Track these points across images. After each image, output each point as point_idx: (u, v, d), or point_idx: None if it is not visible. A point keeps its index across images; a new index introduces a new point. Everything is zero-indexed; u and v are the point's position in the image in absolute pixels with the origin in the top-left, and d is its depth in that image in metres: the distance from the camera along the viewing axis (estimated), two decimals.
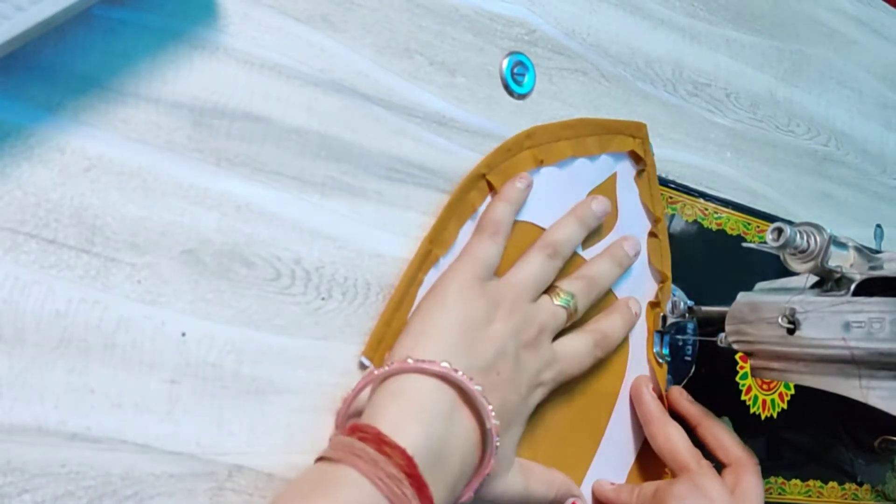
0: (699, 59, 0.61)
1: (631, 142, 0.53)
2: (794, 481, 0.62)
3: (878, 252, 0.48)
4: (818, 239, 0.46)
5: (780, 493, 0.61)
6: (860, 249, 0.47)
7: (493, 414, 0.40)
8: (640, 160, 0.54)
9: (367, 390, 0.41)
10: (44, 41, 0.35)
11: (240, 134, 0.40)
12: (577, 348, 0.48)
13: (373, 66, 0.44)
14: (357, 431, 0.37)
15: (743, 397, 0.60)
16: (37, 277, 0.34)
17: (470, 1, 0.48)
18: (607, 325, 0.51)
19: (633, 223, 0.54)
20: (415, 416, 0.38)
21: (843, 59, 0.72)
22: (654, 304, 0.54)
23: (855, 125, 0.73)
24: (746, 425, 0.60)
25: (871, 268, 0.47)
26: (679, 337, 0.56)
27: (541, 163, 0.49)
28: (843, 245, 0.47)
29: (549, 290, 0.48)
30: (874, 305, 0.44)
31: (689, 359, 0.57)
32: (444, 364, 0.40)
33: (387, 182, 0.44)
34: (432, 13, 0.47)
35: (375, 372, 0.40)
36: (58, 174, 0.35)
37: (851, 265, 0.47)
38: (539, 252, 0.47)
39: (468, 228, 0.46)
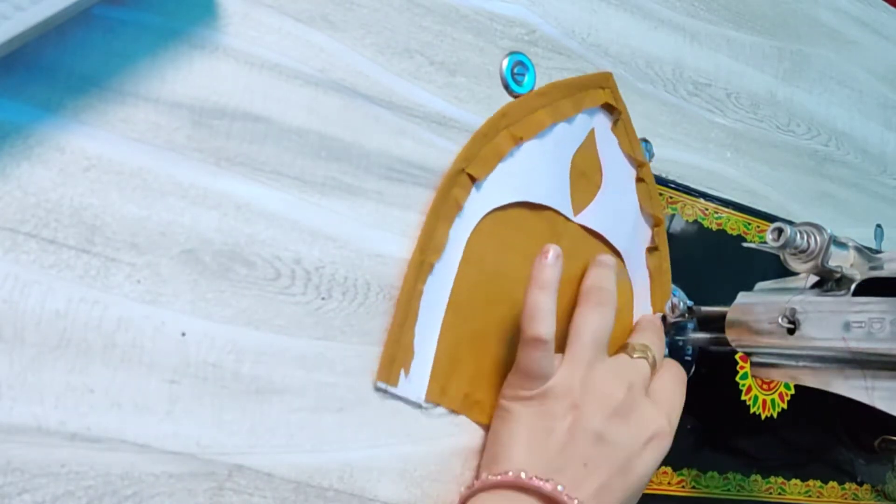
0: (699, 59, 0.61)
1: (602, 94, 0.53)
2: (794, 481, 0.62)
3: (879, 252, 0.48)
4: (818, 239, 0.46)
5: (780, 493, 0.61)
6: (860, 249, 0.47)
7: None
8: (614, 110, 0.53)
9: None
10: (44, 41, 0.35)
11: (240, 134, 0.40)
12: (672, 379, 0.48)
13: (373, 66, 0.44)
14: None
15: (743, 397, 0.60)
16: (37, 277, 0.34)
17: (470, 1, 0.48)
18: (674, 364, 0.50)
19: (618, 174, 0.53)
20: None
21: (843, 59, 0.72)
22: (651, 249, 0.54)
23: (855, 125, 0.73)
24: (746, 425, 0.60)
25: (872, 268, 0.47)
26: (679, 337, 0.56)
27: (520, 140, 0.48)
28: (843, 245, 0.47)
29: (621, 349, 0.48)
30: (874, 305, 0.44)
31: (689, 359, 0.57)
32: (522, 474, 0.41)
33: (387, 182, 0.44)
34: (432, 13, 0.47)
35: (465, 491, 0.43)
36: (57, 174, 0.35)
37: (852, 265, 0.47)
38: (583, 306, 0.47)
39: (457, 226, 0.46)
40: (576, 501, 0.41)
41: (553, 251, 0.44)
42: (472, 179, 0.46)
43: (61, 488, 0.34)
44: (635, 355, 0.47)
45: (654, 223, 0.55)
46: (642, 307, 0.54)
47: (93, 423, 0.35)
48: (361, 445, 0.42)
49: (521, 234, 0.48)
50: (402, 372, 0.43)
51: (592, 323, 0.46)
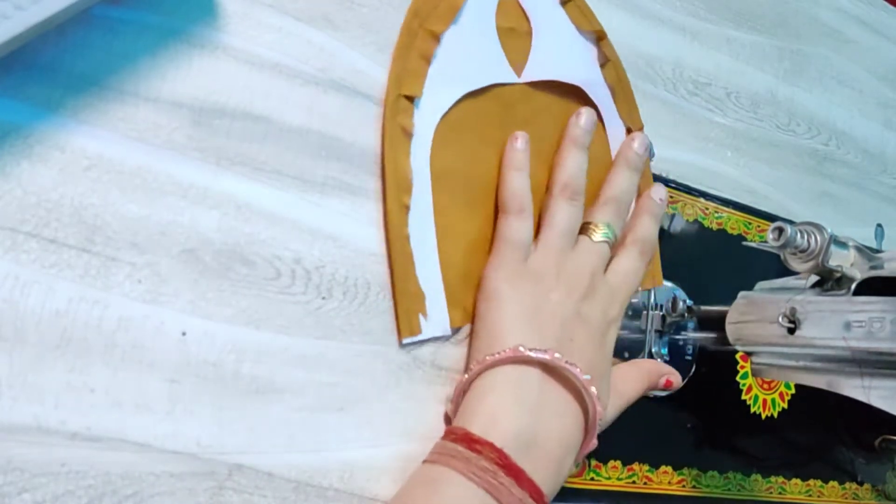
0: (700, 59, 0.61)
1: None
2: (794, 481, 0.62)
3: (879, 251, 0.48)
4: (819, 238, 0.46)
5: (780, 493, 0.61)
6: (861, 249, 0.47)
7: (583, 373, 0.43)
8: None
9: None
10: (44, 41, 0.35)
11: (240, 133, 0.40)
12: (627, 268, 0.49)
13: (373, 66, 0.44)
14: (450, 434, 0.42)
15: (743, 397, 0.60)
16: (37, 277, 0.34)
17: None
18: (642, 230, 0.51)
19: (542, 10, 0.51)
20: (502, 410, 0.42)
21: (843, 58, 0.72)
22: (604, 64, 0.53)
23: (855, 125, 0.73)
24: (747, 425, 0.60)
25: (872, 267, 0.47)
26: (679, 337, 0.56)
27: (439, 35, 0.46)
28: (843, 244, 0.47)
29: (584, 229, 0.49)
30: (875, 305, 0.44)
31: (689, 358, 0.57)
32: (521, 348, 0.42)
33: None
34: None
35: (464, 378, 0.44)
36: (58, 173, 0.35)
37: (852, 265, 0.47)
38: (558, 199, 0.48)
39: (415, 153, 0.45)
40: (578, 369, 0.43)
41: (521, 137, 0.47)
42: (410, 99, 0.45)
43: (61, 488, 0.34)
44: (596, 237, 0.48)
45: (597, 37, 0.53)
46: (612, 125, 0.53)
47: (93, 422, 0.35)
48: (361, 445, 0.42)
49: (476, 127, 0.47)
50: (421, 317, 0.44)
51: (565, 215, 0.48)
